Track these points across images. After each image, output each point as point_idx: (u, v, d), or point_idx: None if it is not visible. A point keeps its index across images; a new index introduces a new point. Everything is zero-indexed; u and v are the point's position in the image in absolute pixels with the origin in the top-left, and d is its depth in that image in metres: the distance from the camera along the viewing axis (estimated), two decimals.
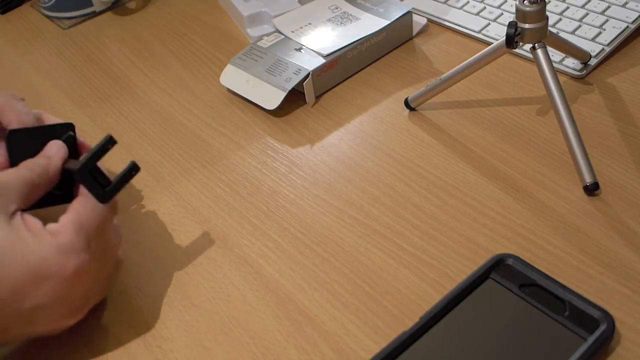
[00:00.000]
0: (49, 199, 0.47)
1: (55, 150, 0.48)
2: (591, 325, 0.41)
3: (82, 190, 0.45)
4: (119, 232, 0.49)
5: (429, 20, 0.74)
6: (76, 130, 0.51)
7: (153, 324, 0.47)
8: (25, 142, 0.48)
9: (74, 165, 0.46)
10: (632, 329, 0.42)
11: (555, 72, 0.54)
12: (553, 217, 0.50)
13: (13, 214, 0.43)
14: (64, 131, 0.50)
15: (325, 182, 0.56)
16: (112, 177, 0.46)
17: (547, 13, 0.56)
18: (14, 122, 0.50)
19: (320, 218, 0.53)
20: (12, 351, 0.47)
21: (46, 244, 0.42)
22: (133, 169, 0.46)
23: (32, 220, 0.44)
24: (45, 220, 0.44)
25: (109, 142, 0.45)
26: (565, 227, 0.49)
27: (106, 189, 0.45)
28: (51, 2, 0.85)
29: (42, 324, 0.43)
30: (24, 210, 0.44)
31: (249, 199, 0.56)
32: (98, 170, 0.45)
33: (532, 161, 0.55)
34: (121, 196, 0.58)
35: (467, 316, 0.43)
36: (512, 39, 0.55)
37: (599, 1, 0.69)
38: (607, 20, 0.67)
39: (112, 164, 0.62)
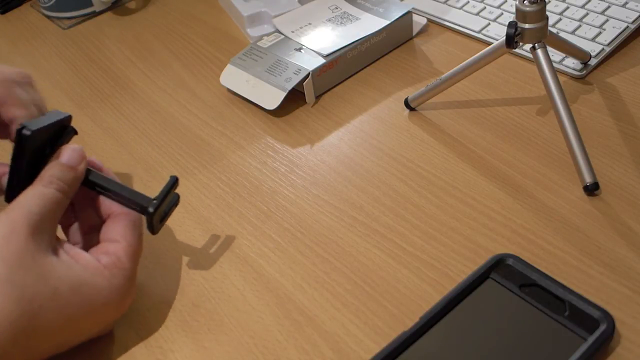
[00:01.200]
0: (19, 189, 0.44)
1: (78, 159, 0.45)
2: (591, 325, 0.41)
3: (128, 216, 0.46)
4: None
5: (429, 20, 0.74)
6: (76, 130, 0.50)
7: (153, 324, 0.47)
8: (37, 141, 0.45)
9: (131, 196, 0.46)
10: (632, 329, 0.42)
11: (555, 72, 0.54)
12: (553, 217, 0.50)
13: (56, 247, 0.42)
14: (66, 125, 0.48)
15: (325, 182, 0.56)
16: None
17: (547, 13, 0.56)
18: (20, 117, 0.46)
19: (320, 218, 0.53)
20: None
21: (106, 283, 0.42)
22: (177, 201, 0.49)
23: (78, 252, 0.43)
24: None
25: (175, 183, 0.48)
26: (565, 227, 0.49)
27: (161, 223, 0.47)
28: (51, 2, 0.85)
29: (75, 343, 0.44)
30: None
31: (249, 199, 0.56)
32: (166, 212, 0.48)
33: (532, 161, 0.55)
34: None
35: (467, 316, 0.43)
36: (512, 39, 0.55)
37: (599, 1, 0.69)
38: (607, 20, 0.67)
39: (111, 163, 0.62)
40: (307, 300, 0.47)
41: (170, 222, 0.55)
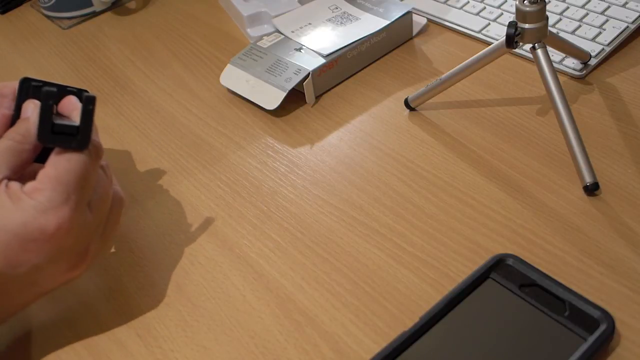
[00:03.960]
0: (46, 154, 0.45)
1: (30, 110, 0.47)
2: (591, 325, 0.41)
3: None
4: (108, 173, 0.48)
5: (429, 20, 0.74)
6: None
7: (153, 324, 0.47)
8: (35, 96, 0.47)
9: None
10: (632, 329, 0.42)
11: (555, 72, 0.54)
12: (553, 217, 0.50)
13: None
14: (85, 101, 0.45)
15: (325, 182, 0.56)
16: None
17: (547, 13, 0.56)
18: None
19: (320, 218, 0.53)
20: (12, 351, 0.47)
21: (25, 206, 0.42)
22: (89, 102, 0.43)
23: (12, 185, 0.43)
24: None
25: (90, 102, 0.43)
26: (565, 227, 0.49)
27: (77, 137, 0.43)
28: (51, 2, 0.85)
29: (44, 284, 0.44)
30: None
31: (249, 199, 0.56)
32: (57, 125, 0.43)
33: (532, 161, 0.55)
34: None
35: (467, 316, 0.43)
36: (512, 39, 0.55)
37: (599, 1, 0.69)
38: (607, 20, 0.67)
39: (110, 162, 0.62)
40: (307, 300, 0.47)
41: (170, 222, 0.55)
